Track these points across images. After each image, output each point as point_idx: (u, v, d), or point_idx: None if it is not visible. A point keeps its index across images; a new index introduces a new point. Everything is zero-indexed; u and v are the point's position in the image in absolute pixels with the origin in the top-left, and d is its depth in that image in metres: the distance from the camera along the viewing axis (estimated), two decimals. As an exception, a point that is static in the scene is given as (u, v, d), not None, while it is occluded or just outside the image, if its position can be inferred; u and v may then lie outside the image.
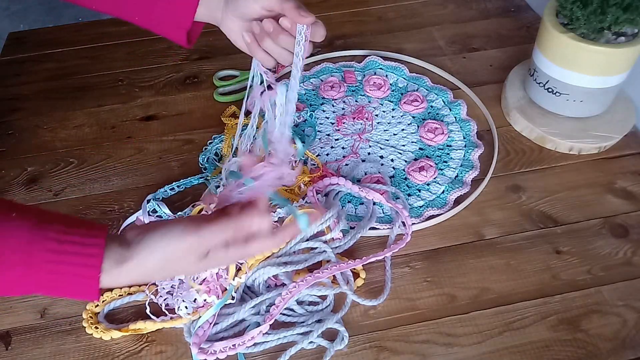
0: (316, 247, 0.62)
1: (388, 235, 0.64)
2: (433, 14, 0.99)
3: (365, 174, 0.71)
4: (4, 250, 0.40)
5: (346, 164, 0.73)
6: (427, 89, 0.83)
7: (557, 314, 0.57)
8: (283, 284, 0.59)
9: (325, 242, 0.62)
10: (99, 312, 0.59)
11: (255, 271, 0.59)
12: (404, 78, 0.85)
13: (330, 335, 0.56)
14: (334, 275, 0.60)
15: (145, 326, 0.57)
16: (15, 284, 0.41)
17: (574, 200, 0.68)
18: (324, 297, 0.59)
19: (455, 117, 0.78)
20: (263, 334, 0.55)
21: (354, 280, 0.60)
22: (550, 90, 0.73)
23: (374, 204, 0.67)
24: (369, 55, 0.88)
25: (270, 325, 0.55)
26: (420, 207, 0.67)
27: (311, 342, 0.55)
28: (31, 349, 0.57)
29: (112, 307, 0.60)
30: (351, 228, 0.64)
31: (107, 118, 0.82)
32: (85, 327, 0.57)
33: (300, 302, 0.59)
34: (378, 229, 0.65)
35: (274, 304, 0.56)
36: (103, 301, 0.60)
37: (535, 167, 0.72)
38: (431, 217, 0.66)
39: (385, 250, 0.62)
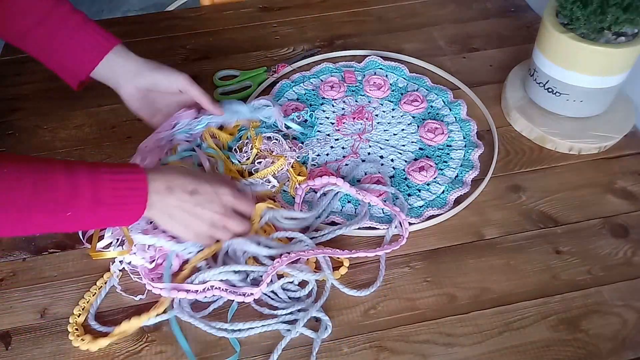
0: (294, 237, 0.63)
1: (384, 236, 0.64)
2: (433, 14, 0.99)
3: (365, 174, 0.71)
4: (75, 183, 0.50)
5: (346, 164, 0.73)
6: (427, 89, 0.83)
7: (557, 314, 0.57)
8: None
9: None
10: (84, 320, 0.59)
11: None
12: (404, 78, 0.85)
13: (313, 325, 0.57)
14: (316, 265, 0.61)
15: (130, 325, 0.56)
16: (84, 209, 0.51)
17: (574, 200, 0.68)
18: (303, 285, 0.60)
19: (455, 117, 0.78)
20: (219, 289, 0.57)
21: (338, 269, 0.61)
22: (550, 90, 0.73)
23: (369, 206, 0.67)
24: (369, 55, 0.88)
25: (256, 309, 0.58)
26: (420, 207, 0.67)
27: (297, 331, 0.56)
28: (31, 349, 0.57)
29: (97, 308, 0.60)
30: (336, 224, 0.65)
31: (107, 118, 0.82)
32: (72, 339, 0.57)
33: (284, 289, 0.60)
34: (377, 228, 0.65)
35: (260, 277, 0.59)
36: (83, 308, 0.59)
37: (535, 167, 0.72)
38: (431, 217, 0.66)
39: (377, 249, 0.62)
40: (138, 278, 0.61)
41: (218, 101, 0.73)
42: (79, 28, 0.64)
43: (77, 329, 0.57)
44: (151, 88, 0.68)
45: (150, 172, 0.55)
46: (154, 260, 0.61)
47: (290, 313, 0.58)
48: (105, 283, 0.61)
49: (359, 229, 0.64)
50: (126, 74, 0.66)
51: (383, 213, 0.67)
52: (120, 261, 0.62)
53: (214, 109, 0.70)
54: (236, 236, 0.61)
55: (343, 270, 0.61)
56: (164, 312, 0.57)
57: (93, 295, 0.60)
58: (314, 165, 0.72)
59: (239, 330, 0.57)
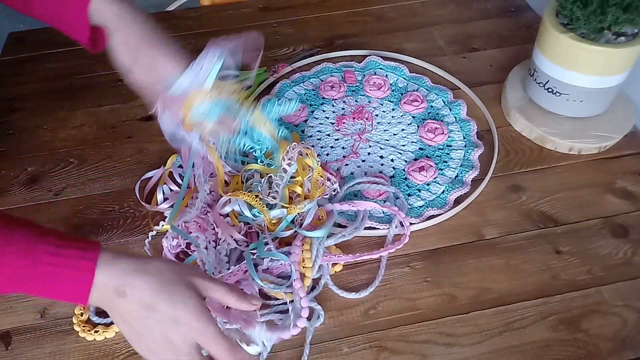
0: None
1: (386, 236, 0.64)
2: (433, 14, 0.99)
3: (365, 174, 0.71)
4: (6, 249, 0.42)
5: (346, 164, 0.73)
6: (427, 89, 0.83)
7: (557, 314, 0.57)
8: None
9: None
10: (88, 315, 0.59)
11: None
12: (404, 78, 0.85)
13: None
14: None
15: None
16: (12, 279, 0.43)
17: (574, 200, 0.68)
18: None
19: (455, 117, 0.78)
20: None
21: (334, 266, 0.61)
22: (550, 90, 0.73)
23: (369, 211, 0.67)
24: (369, 55, 0.88)
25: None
26: (420, 207, 0.67)
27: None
28: (31, 349, 0.57)
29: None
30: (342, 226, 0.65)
31: (107, 118, 0.82)
32: (84, 335, 0.57)
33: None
34: (377, 228, 0.65)
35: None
36: (83, 307, 0.59)
37: (535, 167, 0.72)
38: (431, 217, 0.66)
39: (381, 250, 0.62)
40: None
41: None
42: None
43: (84, 326, 0.58)
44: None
45: (103, 259, 0.44)
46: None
47: (284, 303, 0.58)
48: None
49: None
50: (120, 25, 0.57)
51: (383, 213, 0.67)
52: None
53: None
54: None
55: (338, 267, 0.62)
56: None
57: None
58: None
59: None
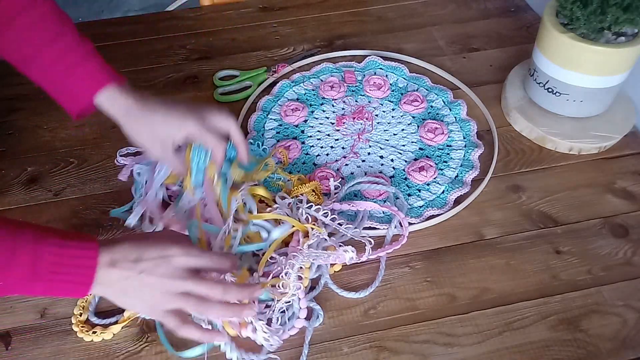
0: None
1: (384, 236, 0.64)
2: (433, 14, 0.99)
3: (365, 174, 0.71)
4: (14, 249, 0.45)
5: (346, 164, 0.73)
6: (427, 89, 0.83)
7: (557, 314, 0.57)
8: None
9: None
10: (87, 316, 0.59)
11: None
12: (404, 78, 0.85)
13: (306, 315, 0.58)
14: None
15: None
16: (19, 280, 0.45)
17: (574, 200, 0.68)
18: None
19: (455, 117, 0.78)
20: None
21: (332, 266, 0.61)
22: (550, 90, 0.73)
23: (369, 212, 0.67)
24: (369, 55, 0.88)
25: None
26: (420, 207, 0.67)
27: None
28: (31, 349, 0.57)
29: (96, 307, 0.60)
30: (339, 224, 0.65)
31: (107, 118, 0.81)
32: (82, 336, 0.57)
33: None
34: (377, 228, 0.65)
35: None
36: (83, 307, 0.59)
37: (535, 167, 0.72)
38: (431, 217, 0.66)
39: (379, 250, 0.62)
40: None
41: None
42: (77, 63, 0.59)
43: (83, 326, 0.58)
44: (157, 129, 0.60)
45: (102, 245, 0.48)
46: None
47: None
48: None
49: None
50: (127, 115, 0.60)
51: (383, 213, 0.67)
52: None
53: (244, 156, 0.63)
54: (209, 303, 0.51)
55: (338, 267, 0.62)
56: None
57: (91, 295, 0.60)
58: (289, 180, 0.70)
59: None
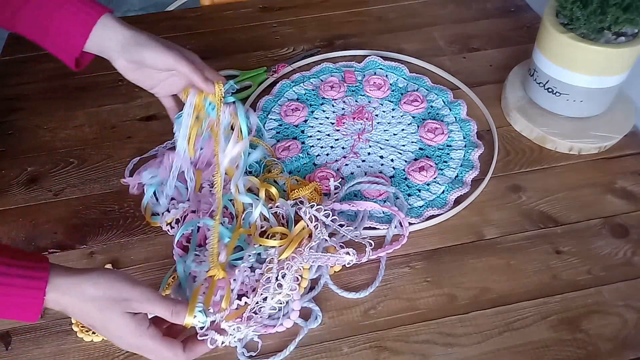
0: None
1: (384, 236, 0.64)
2: (433, 14, 0.99)
3: (365, 174, 0.71)
4: None
5: (346, 164, 0.73)
6: (427, 89, 0.83)
7: (557, 314, 0.57)
8: None
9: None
10: None
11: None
12: (404, 78, 0.85)
13: (305, 315, 0.58)
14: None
15: None
16: None
17: (574, 200, 0.68)
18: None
19: (455, 117, 0.78)
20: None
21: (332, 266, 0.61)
22: (550, 90, 0.73)
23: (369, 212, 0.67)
24: (369, 55, 0.88)
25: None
26: (420, 207, 0.67)
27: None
28: (31, 349, 0.57)
29: None
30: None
31: (107, 118, 0.82)
32: (82, 336, 0.57)
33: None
34: (377, 228, 0.65)
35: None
36: None
37: (535, 167, 0.72)
38: (431, 217, 0.66)
39: (379, 250, 0.62)
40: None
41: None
42: (64, 2, 0.57)
43: (83, 326, 0.58)
44: (141, 63, 0.60)
45: (53, 274, 0.46)
46: None
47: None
48: None
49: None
50: (115, 47, 0.59)
51: (383, 213, 0.67)
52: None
53: (207, 87, 0.62)
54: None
55: (337, 267, 0.62)
56: None
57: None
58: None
59: None
